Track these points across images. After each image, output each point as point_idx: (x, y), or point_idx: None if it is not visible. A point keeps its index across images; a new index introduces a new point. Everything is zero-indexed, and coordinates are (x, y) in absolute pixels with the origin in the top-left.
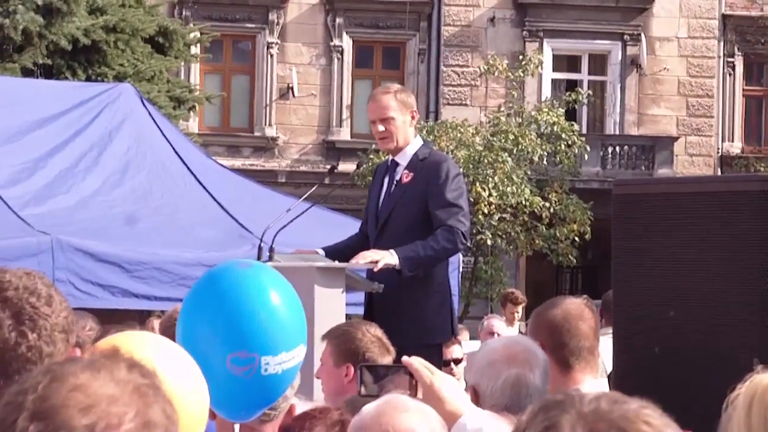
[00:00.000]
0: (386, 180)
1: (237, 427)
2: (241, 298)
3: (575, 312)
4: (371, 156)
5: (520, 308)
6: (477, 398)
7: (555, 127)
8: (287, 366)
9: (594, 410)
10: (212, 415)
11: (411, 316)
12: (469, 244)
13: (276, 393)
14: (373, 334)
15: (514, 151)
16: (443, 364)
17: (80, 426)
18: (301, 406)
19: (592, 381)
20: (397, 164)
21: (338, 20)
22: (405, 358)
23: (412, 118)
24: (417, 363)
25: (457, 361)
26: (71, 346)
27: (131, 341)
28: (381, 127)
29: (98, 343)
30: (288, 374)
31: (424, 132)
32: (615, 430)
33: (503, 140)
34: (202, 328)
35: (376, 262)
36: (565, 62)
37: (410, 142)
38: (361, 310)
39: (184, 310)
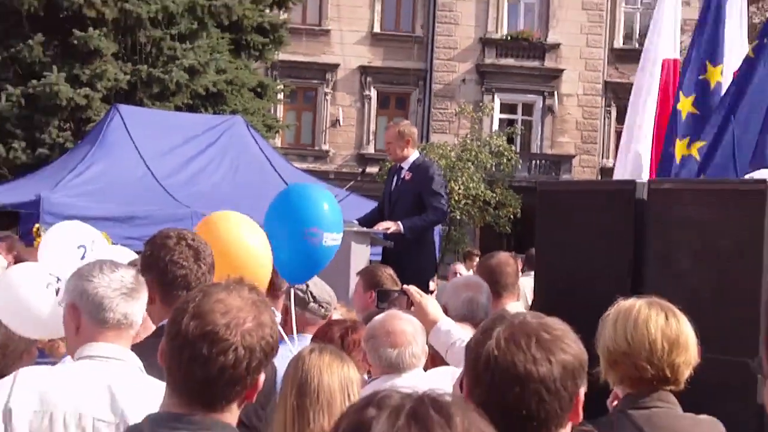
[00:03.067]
0: (395, 178)
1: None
2: (312, 195)
3: (504, 261)
4: (386, 163)
5: (477, 259)
6: (446, 312)
7: (501, 148)
8: (334, 243)
9: (520, 322)
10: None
11: (412, 262)
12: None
13: (324, 261)
14: (387, 273)
15: (475, 162)
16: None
17: (221, 323)
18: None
19: (514, 304)
20: (401, 168)
21: (368, 79)
22: (405, 286)
23: (407, 143)
24: (412, 289)
25: (431, 292)
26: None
27: (226, 217)
28: (386, 147)
29: (205, 219)
30: (333, 249)
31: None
32: (528, 334)
33: (468, 155)
34: (289, 211)
35: (389, 228)
36: (508, 108)
37: (409, 155)
38: (379, 258)
39: (271, 207)
